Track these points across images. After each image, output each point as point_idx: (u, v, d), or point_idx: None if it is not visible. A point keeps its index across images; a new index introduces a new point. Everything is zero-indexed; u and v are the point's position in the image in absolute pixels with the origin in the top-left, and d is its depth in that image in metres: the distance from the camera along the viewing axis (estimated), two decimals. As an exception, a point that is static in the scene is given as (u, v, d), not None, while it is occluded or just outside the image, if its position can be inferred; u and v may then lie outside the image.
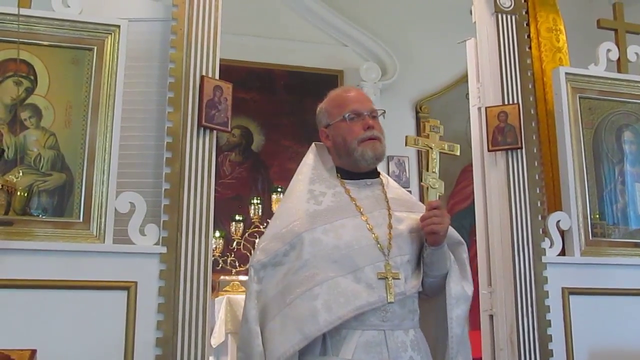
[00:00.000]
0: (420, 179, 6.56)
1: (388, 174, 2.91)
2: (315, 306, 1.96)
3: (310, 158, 2.29)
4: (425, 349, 2.11)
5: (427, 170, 2.19)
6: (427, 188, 2.16)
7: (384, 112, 2.25)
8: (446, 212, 2.09)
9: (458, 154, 2.26)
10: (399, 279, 2.04)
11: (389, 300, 2.00)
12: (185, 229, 3.09)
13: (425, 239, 2.11)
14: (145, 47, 3.32)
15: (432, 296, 2.21)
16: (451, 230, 2.22)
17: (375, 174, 2.26)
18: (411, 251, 2.12)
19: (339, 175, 2.22)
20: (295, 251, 2.06)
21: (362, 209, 2.13)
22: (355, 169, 2.20)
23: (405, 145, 2.23)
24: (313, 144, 2.34)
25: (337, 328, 1.98)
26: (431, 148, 2.21)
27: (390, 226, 2.12)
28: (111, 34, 3.16)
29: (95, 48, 3.15)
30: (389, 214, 2.15)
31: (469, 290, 2.17)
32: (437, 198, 2.15)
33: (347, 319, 1.97)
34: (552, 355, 3.43)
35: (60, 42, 3.12)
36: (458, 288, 2.13)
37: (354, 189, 2.19)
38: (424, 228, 2.08)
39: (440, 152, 2.23)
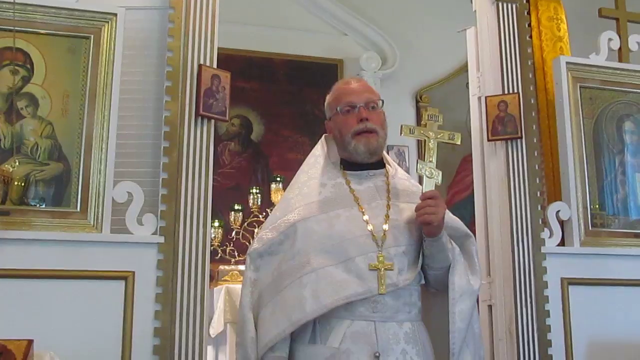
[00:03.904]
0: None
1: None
2: (303, 294, 1.99)
3: (318, 149, 2.32)
4: (424, 343, 2.09)
5: (424, 159, 2.15)
6: (424, 178, 2.13)
7: (382, 101, 2.23)
8: (442, 202, 2.06)
9: (459, 142, 2.23)
10: (392, 270, 2.03)
11: (379, 292, 2.00)
12: (183, 218, 3.08)
13: (422, 230, 2.09)
14: (142, 35, 3.30)
15: (440, 290, 2.19)
16: (457, 222, 2.23)
17: (380, 164, 2.26)
18: (408, 242, 2.10)
19: (342, 166, 2.23)
20: (289, 241, 2.09)
21: (359, 200, 2.13)
22: (357, 161, 2.21)
23: (400, 134, 2.18)
24: (323, 136, 2.36)
25: (326, 317, 2.01)
26: (428, 137, 2.19)
27: (387, 217, 2.11)
28: (108, 22, 3.13)
29: (92, 36, 3.12)
30: (388, 205, 2.14)
31: (476, 284, 2.14)
32: (434, 188, 2.11)
33: (335, 309, 1.99)
34: (551, 346, 3.42)
35: (56, 31, 3.09)
36: (462, 282, 2.11)
37: (355, 180, 2.19)
38: (417, 219, 2.06)
39: (439, 142, 2.20)
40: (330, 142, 2.30)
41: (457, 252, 2.15)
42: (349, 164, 2.22)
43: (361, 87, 2.23)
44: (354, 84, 2.25)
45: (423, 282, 2.18)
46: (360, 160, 2.19)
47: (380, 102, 2.23)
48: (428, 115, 2.21)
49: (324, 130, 2.35)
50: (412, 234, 2.12)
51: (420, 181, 2.17)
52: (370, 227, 2.07)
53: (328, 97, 2.29)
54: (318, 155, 2.29)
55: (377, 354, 1.98)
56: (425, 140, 2.19)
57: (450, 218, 2.17)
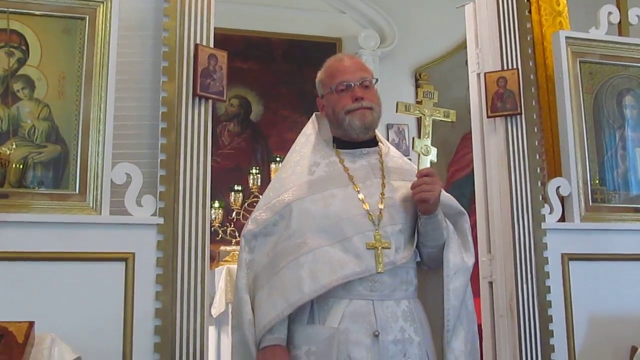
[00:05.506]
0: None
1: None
2: (301, 275, 1.97)
3: (309, 128, 2.29)
4: (421, 320, 2.09)
5: (420, 137, 2.14)
6: (419, 155, 2.12)
7: (377, 80, 2.21)
8: (438, 180, 2.05)
9: (454, 119, 2.21)
10: (389, 248, 2.02)
11: (378, 271, 1.99)
12: (182, 199, 3.07)
13: (418, 208, 2.08)
14: (138, 15, 3.26)
15: (434, 267, 2.19)
16: (451, 200, 2.21)
17: (373, 142, 2.24)
18: (404, 221, 2.10)
19: (334, 145, 2.21)
20: (284, 221, 2.08)
21: (354, 179, 2.12)
22: (350, 139, 2.19)
23: (396, 111, 2.16)
24: (314, 114, 2.33)
25: (324, 297, 1.99)
26: (423, 114, 2.17)
27: (382, 195, 2.10)
28: (103, 2, 3.10)
29: (88, 17, 3.09)
30: (383, 183, 2.13)
31: (470, 261, 2.14)
32: (429, 165, 2.10)
33: (333, 288, 1.98)
34: (552, 322, 3.43)
35: (51, 12, 3.06)
36: (457, 259, 2.11)
37: (349, 159, 2.17)
38: (413, 196, 2.05)
39: (436, 119, 2.19)
40: (322, 120, 2.28)
41: (451, 230, 2.15)
42: (341, 142, 2.20)
43: (355, 65, 2.20)
44: (347, 61, 2.22)
45: (419, 259, 2.18)
46: (355, 137, 2.17)
47: (375, 79, 2.20)
48: (423, 92, 2.20)
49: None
50: (408, 212, 2.11)
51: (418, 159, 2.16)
52: (366, 206, 2.06)
53: (320, 74, 2.26)
54: (309, 133, 2.26)
55: (377, 333, 1.98)
56: (421, 118, 2.18)
57: (444, 195, 2.16)
